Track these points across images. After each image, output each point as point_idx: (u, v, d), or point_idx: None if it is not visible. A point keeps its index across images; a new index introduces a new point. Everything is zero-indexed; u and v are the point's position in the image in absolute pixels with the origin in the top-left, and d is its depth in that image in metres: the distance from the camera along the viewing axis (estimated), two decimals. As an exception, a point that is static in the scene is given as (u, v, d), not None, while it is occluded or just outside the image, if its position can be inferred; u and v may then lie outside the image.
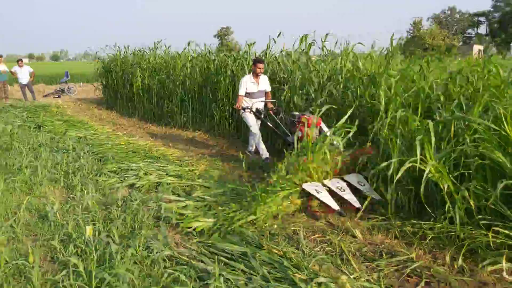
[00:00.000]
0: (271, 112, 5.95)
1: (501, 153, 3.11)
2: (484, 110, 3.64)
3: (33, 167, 5.12)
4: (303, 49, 7.18)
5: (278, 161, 4.23)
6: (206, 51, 9.07)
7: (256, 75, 5.89)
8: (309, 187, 3.91)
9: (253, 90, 5.93)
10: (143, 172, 5.07)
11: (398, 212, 3.76)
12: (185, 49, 9.82)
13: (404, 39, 58.26)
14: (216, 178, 5.01)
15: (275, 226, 3.65)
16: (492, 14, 60.22)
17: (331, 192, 3.93)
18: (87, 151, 6.12)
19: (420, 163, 3.33)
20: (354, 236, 3.42)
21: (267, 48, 7.87)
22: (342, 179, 4.18)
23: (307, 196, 3.98)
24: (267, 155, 5.93)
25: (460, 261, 2.92)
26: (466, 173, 3.35)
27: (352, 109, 4.54)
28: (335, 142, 4.21)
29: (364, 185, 4.12)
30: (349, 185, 4.09)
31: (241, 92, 5.89)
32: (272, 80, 6.80)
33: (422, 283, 2.72)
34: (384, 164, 3.63)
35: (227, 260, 2.97)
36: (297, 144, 4.26)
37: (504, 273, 2.78)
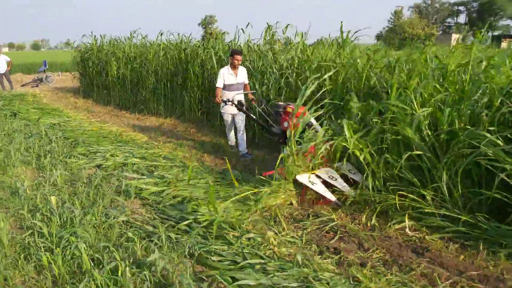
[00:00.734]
0: (253, 102, 5.85)
1: (411, 130, 3.63)
2: (404, 95, 4.12)
3: (6, 151, 5.47)
4: (268, 40, 7.61)
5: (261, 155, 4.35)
6: (179, 41, 9.41)
7: (234, 66, 5.70)
8: (303, 179, 3.83)
9: (231, 82, 5.72)
10: (110, 154, 5.48)
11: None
12: (157, 38, 10.16)
13: (386, 28, 59.29)
14: (178, 159, 5.46)
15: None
16: (471, 4, 61.30)
17: (325, 182, 3.90)
18: (59, 136, 6.49)
19: (346, 141, 3.83)
20: (290, 204, 3.92)
21: (234, 39, 8.27)
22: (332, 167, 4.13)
23: (300, 187, 3.93)
24: (233, 144, 6.13)
25: (373, 221, 3.46)
26: (384, 148, 3.87)
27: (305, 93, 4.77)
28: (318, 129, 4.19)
29: (354, 173, 4.10)
30: (341, 174, 4.05)
31: (219, 84, 5.67)
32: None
33: (337, 237, 3.24)
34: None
35: (173, 223, 3.44)
36: (287, 137, 4.14)
37: (407, 230, 3.32)
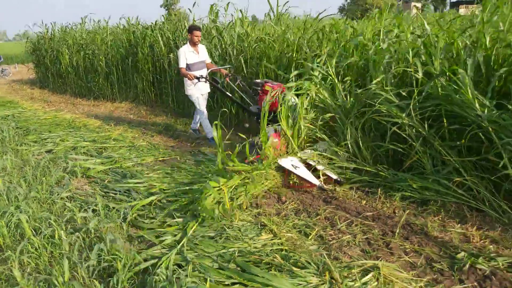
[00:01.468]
0: (227, 80, 5.48)
1: (327, 92, 4.06)
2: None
3: (-44, 143, 5.62)
4: (212, 18, 7.84)
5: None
6: (128, 24, 9.50)
7: (193, 44, 5.41)
8: (285, 162, 3.76)
9: (194, 60, 5.41)
10: (61, 140, 5.71)
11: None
12: (107, 23, 10.20)
13: (348, 0, 59.67)
14: (127, 140, 5.75)
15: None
16: (429, -29, 62.28)
17: (308, 165, 3.84)
18: (12, 127, 6.63)
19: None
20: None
21: (181, 20, 8.45)
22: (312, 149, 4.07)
23: (283, 171, 3.85)
24: (212, 135, 5.70)
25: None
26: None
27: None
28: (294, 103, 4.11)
29: (318, 162, 3.96)
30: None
31: (182, 64, 5.36)
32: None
33: (261, 194, 3.66)
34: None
35: (113, 195, 3.78)
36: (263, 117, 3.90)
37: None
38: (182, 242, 2.82)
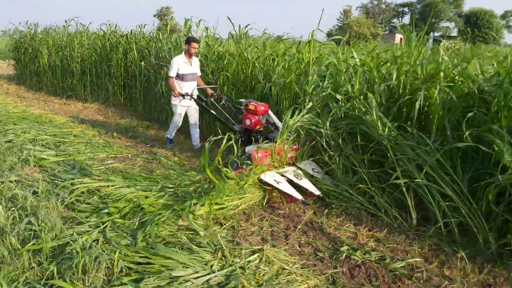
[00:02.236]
0: (211, 100, 5.46)
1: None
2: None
3: None
4: (184, 32, 8.31)
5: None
6: (106, 31, 9.90)
7: (189, 55, 5.43)
8: (267, 178, 3.81)
9: (186, 71, 5.43)
10: (22, 131, 6.02)
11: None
12: (87, 27, 10.60)
13: (336, 27, 61.53)
14: (87, 137, 6.10)
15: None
16: (415, 5, 64.87)
17: (290, 181, 3.90)
18: (-21, 117, 6.90)
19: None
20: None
21: (157, 31, 8.92)
22: (296, 166, 4.17)
23: (266, 186, 3.87)
24: (199, 144, 5.81)
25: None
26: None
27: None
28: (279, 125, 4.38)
29: (318, 172, 4.13)
30: (305, 172, 4.08)
31: (172, 73, 5.37)
32: (156, 58, 7.91)
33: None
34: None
35: (60, 182, 4.13)
36: (249, 135, 4.30)
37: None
38: (106, 223, 3.19)
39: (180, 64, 5.41)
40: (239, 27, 6.92)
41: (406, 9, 67.07)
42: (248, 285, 2.46)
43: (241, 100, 5.02)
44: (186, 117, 5.81)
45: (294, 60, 5.56)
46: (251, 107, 4.66)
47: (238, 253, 2.79)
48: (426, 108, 3.86)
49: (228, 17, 6.70)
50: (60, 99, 10.11)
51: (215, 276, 2.55)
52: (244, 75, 6.12)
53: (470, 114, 3.19)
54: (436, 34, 59.99)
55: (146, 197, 3.72)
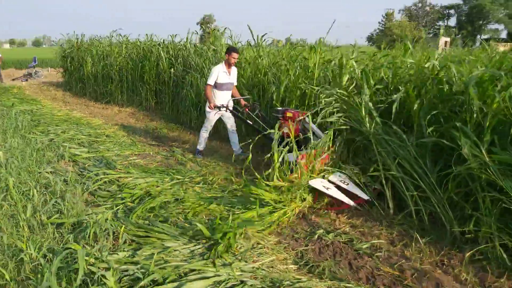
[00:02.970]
0: (246, 110, 5.60)
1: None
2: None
3: (-22, 128, 6.83)
4: (212, 40, 8.94)
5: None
6: (140, 41, 10.77)
7: (229, 64, 5.50)
8: (316, 183, 3.84)
9: (225, 80, 5.48)
10: (62, 131, 6.84)
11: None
12: (127, 38, 11.54)
13: (377, 30, 60.76)
14: (117, 137, 6.82)
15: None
16: (462, 7, 62.63)
17: (337, 186, 3.93)
18: (27, 119, 7.83)
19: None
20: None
21: (186, 40, 9.62)
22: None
23: (313, 192, 3.93)
24: (240, 149, 5.87)
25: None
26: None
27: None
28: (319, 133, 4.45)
29: (348, 184, 4.05)
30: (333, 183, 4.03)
31: (211, 81, 5.41)
32: (184, 65, 8.59)
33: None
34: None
35: (87, 173, 4.79)
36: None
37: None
38: (119, 207, 3.78)
39: (220, 73, 5.44)
40: (257, 36, 7.41)
41: (452, 11, 64.90)
42: (225, 255, 2.93)
43: (278, 108, 5.02)
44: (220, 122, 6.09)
45: (302, 64, 5.99)
46: (289, 114, 4.63)
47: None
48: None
49: (249, 26, 7.18)
50: (100, 104, 11.07)
51: (199, 248, 3.04)
52: (258, 80, 6.60)
53: (434, 112, 3.51)
54: (483, 36, 57.75)
55: (157, 186, 4.30)
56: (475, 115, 3.35)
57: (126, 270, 2.66)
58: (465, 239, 3.24)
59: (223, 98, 5.48)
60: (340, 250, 3.17)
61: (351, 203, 3.79)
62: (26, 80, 18.23)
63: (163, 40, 9.94)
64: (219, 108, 5.34)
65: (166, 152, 6.07)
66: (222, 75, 5.46)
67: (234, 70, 5.68)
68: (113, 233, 3.22)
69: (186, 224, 3.41)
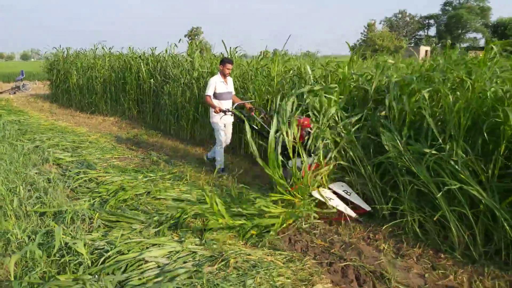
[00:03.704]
0: (252, 114, 5.64)
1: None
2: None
3: (-32, 136, 7.30)
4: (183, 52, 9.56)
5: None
6: (120, 53, 11.34)
7: (224, 75, 5.64)
8: (318, 194, 3.89)
9: (223, 90, 5.60)
10: (47, 138, 7.34)
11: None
12: (110, 50, 12.12)
13: (359, 41, 62.18)
14: (100, 143, 7.34)
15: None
16: (441, 17, 64.58)
17: (340, 197, 3.98)
18: (15, 128, 8.31)
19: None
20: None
21: (165, 51, 10.22)
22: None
23: (315, 202, 3.94)
24: (222, 166, 5.76)
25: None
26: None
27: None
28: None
29: (350, 194, 4.08)
30: (335, 193, 4.07)
31: (209, 92, 5.52)
32: (164, 75, 9.17)
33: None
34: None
35: (74, 174, 5.31)
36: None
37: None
38: (95, 199, 4.31)
39: (217, 84, 5.57)
40: (230, 48, 8.03)
41: (432, 21, 66.83)
42: (180, 231, 3.47)
43: None
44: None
45: (265, 74, 6.62)
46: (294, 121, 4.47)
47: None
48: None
49: (223, 41, 7.78)
50: (85, 114, 11.56)
51: (163, 228, 3.59)
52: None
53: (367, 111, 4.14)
54: (463, 45, 59.49)
55: (131, 183, 4.84)
56: (397, 114, 3.98)
57: (98, 246, 3.20)
58: (389, 217, 3.83)
59: (224, 107, 5.49)
60: (286, 230, 3.74)
61: (353, 214, 3.80)
62: (14, 93, 18.61)
63: (144, 53, 10.51)
64: (224, 112, 5.37)
65: (143, 155, 6.61)
66: (220, 85, 5.60)
67: (230, 80, 5.84)
68: (89, 219, 3.75)
69: (152, 210, 3.95)
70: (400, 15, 63.57)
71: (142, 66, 9.67)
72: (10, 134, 7.55)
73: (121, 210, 3.96)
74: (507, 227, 3.03)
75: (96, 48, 13.50)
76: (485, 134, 3.25)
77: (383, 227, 3.72)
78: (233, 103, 5.78)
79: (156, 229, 3.58)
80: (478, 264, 3.10)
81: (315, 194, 3.89)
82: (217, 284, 2.71)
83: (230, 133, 5.93)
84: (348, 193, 4.03)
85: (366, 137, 4.20)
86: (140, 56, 10.48)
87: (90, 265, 2.94)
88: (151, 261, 3.01)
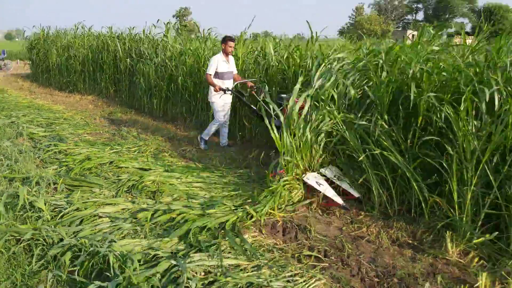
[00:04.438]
0: (253, 92, 5.55)
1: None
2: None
3: None
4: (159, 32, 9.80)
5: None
6: (99, 33, 11.53)
7: (226, 54, 5.57)
8: (310, 180, 3.87)
9: (224, 69, 5.54)
10: (23, 115, 7.63)
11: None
12: (89, 29, 12.30)
13: (348, 24, 62.35)
14: (75, 120, 7.65)
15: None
16: (429, 1, 64.85)
17: (331, 182, 3.95)
18: (-7, 106, 8.56)
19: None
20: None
21: (143, 32, 10.45)
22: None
23: (305, 186, 3.92)
24: (227, 142, 6.03)
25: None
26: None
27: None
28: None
29: (341, 180, 4.04)
30: (327, 178, 4.00)
31: (211, 70, 5.46)
32: (140, 55, 9.42)
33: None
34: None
35: (45, 147, 5.65)
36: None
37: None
38: (62, 168, 4.69)
39: (220, 63, 5.50)
40: (204, 30, 8.36)
41: (420, 5, 67.07)
42: (134, 191, 3.89)
43: (282, 95, 5.00)
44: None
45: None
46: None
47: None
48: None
49: (195, 22, 8.14)
50: (63, 93, 11.77)
51: (119, 192, 3.99)
52: (198, 67, 7.53)
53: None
54: (450, 30, 59.96)
55: (97, 154, 5.21)
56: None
57: (58, 205, 3.60)
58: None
59: (225, 86, 5.49)
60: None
61: (341, 202, 3.77)
62: (-5, 72, 18.61)
63: (122, 33, 10.72)
64: (224, 91, 5.34)
65: (114, 131, 6.96)
66: (222, 64, 5.52)
67: (232, 59, 5.79)
68: (54, 183, 4.13)
69: (113, 176, 4.35)
70: (388, -1, 63.78)
71: (119, 46, 9.90)
72: (-13, 111, 7.81)
73: (84, 177, 4.35)
74: (416, 188, 3.49)
75: (77, 28, 13.64)
76: (400, 107, 3.69)
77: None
78: (234, 81, 5.75)
79: (114, 192, 3.98)
80: (391, 220, 3.57)
81: (305, 179, 3.88)
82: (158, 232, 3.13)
83: (229, 113, 5.92)
84: (340, 179, 4.00)
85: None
86: (118, 36, 10.69)
87: (49, 219, 3.34)
88: (105, 217, 3.42)
